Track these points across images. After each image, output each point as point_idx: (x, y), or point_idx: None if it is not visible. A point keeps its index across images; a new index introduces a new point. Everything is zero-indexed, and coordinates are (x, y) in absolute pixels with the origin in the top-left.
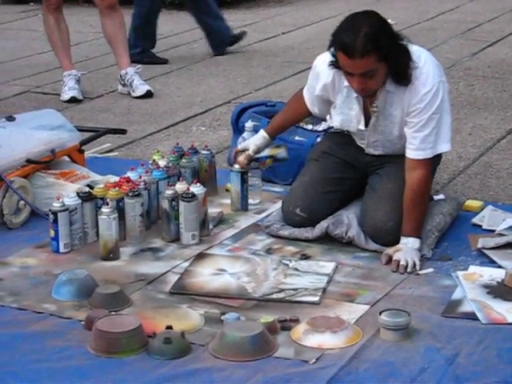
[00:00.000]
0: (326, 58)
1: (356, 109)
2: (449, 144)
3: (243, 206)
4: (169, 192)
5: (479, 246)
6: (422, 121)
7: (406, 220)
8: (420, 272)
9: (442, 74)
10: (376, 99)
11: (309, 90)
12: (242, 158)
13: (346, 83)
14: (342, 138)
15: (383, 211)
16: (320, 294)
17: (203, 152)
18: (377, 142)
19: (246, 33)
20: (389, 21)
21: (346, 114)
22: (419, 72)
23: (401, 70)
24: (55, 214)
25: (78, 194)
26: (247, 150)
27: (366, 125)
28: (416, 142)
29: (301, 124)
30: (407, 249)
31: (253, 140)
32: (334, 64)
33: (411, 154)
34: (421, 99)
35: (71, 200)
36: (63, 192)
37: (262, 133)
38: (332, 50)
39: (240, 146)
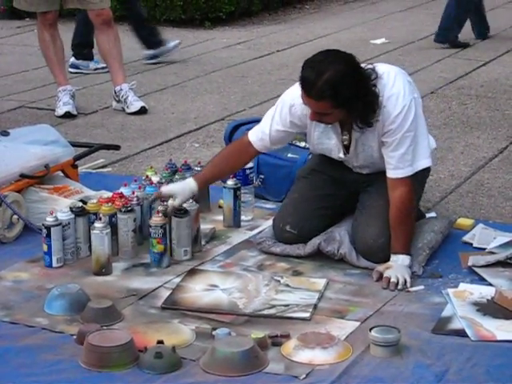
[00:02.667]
0: (297, 91)
1: (334, 138)
2: (429, 159)
3: (236, 223)
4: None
5: (470, 263)
6: (395, 140)
7: (394, 238)
8: (410, 289)
9: (414, 90)
10: (350, 128)
11: (270, 127)
12: (169, 210)
13: None
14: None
15: (374, 228)
16: (311, 310)
17: (196, 169)
18: (360, 165)
19: None
20: (382, 40)
21: (325, 144)
22: (389, 94)
23: (362, 117)
24: (48, 228)
25: (71, 208)
26: (173, 197)
27: (347, 151)
28: (393, 161)
29: (293, 141)
30: (398, 266)
31: (180, 190)
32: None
33: (390, 173)
34: (393, 121)
35: (64, 215)
36: (56, 207)
37: (192, 185)
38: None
39: (164, 192)
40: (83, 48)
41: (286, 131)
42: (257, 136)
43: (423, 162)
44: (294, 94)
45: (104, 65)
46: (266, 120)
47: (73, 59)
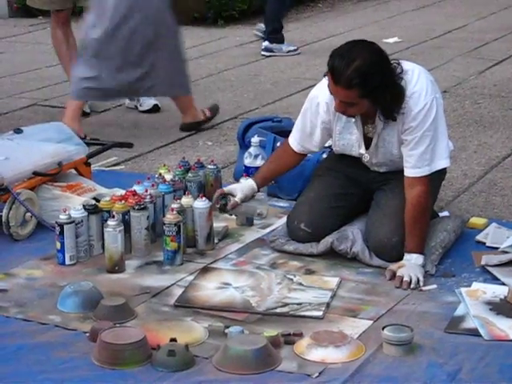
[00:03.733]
0: (322, 90)
1: (356, 133)
2: (447, 160)
3: (248, 221)
4: (174, 206)
5: (483, 263)
6: (415, 138)
7: (408, 237)
8: (423, 288)
9: (437, 90)
10: (372, 122)
11: (302, 130)
12: (229, 207)
13: None
14: (346, 155)
15: (388, 227)
16: (324, 308)
17: (209, 167)
18: (379, 162)
19: None
20: (395, 39)
21: (347, 139)
22: (412, 91)
23: (387, 109)
24: (61, 226)
25: (84, 206)
26: (233, 195)
27: (367, 147)
28: (412, 159)
29: None
30: (411, 265)
31: (240, 187)
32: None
33: (408, 172)
34: (414, 118)
35: (77, 212)
36: (69, 204)
37: (252, 183)
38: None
39: (226, 189)
40: (277, 33)
41: (318, 128)
42: (294, 138)
43: (441, 162)
44: (318, 90)
45: (295, 47)
46: (298, 121)
47: (266, 43)
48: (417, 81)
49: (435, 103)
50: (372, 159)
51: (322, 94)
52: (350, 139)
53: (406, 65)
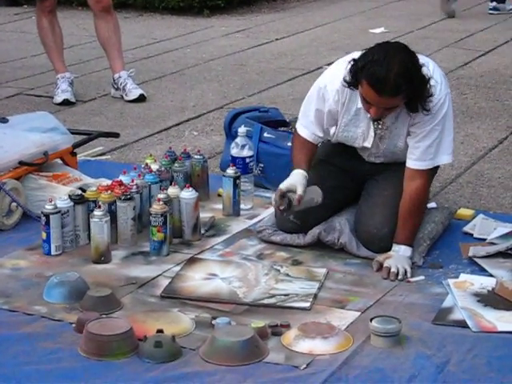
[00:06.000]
0: (332, 79)
1: (363, 127)
2: (450, 156)
3: (235, 211)
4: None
5: (470, 254)
6: (424, 132)
7: (400, 228)
8: (411, 279)
9: (448, 85)
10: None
11: (310, 118)
12: (296, 203)
13: (358, 105)
14: (340, 145)
15: (378, 217)
16: (311, 299)
17: (196, 157)
18: (379, 153)
19: None
20: (381, 29)
21: (352, 132)
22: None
23: (415, 102)
24: (47, 216)
25: (70, 196)
26: (292, 191)
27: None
28: (417, 152)
29: (292, 130)
30: (398, 256)
31: (297, 181)
32: (350, 85)
33: (411, 163)
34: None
35: (63, 202)
36: (55, 194)
37: (303, 172)
38: (349, 70)
39: (283, 187)
40: None
41: (325, 115)
42: (304, 126)
43: (445, 158)
44: (326, 78)
45: None
46: (305, 108)
47: (494, 3)
48: (432, 74)
49: (448, 98)
50: (373, 150)
51: (330, 83)
52: (355, 132)
53: (422, 58)
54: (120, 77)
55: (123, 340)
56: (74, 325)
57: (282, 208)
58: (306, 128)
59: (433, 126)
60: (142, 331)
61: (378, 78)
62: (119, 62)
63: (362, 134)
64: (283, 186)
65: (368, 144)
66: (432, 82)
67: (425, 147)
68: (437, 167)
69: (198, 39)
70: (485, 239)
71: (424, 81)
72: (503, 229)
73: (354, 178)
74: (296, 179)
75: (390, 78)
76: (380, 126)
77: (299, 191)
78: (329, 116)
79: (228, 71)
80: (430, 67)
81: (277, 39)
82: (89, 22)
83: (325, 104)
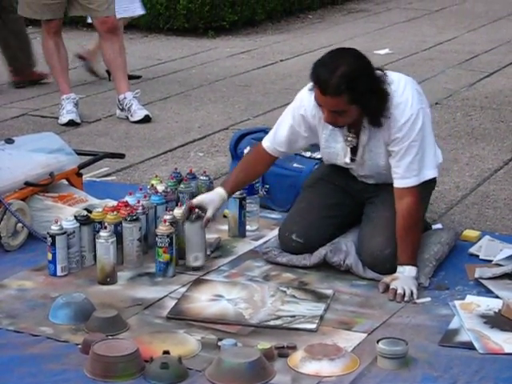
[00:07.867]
0: (310, 94)
1: (341, 141)
2: (435, 170)
3: (241, 233)
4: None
5: (476, 275)
6: (402, 149)
7: (400, 249)
8: (417, 301)
9: (423, 100)
10: (355, 132)
11: (281, 132)
12: (204, 225)
13: None
14: (336, 165)
15: (380, 239)
16: (317, 321)
17: (201, 178)
18: (366, 174)
19: None
20: (386, 50)
21: (333, 148)
22: (398, 101)
23: (374, 115)
24: (53, 237)
25: (76, 217)
26: (203, 208)
27: (354, 155)
28: (400, 170)
29: (299, 151)
30: (404, 277)
31: (210, 200)
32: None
33: (397, 182)
34: (400, 128)
35: (69, 223)
36: (61, 215)
37: (223, 195)
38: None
39: (195, 202)
40: None
41: (297, 131)
42: (269, 140)
43: (429, 173)
44: (303, 96)
45: None
46: (277, 123)
47: None
48: (403, 91)
49: (421, 113)
50: (359, 171)
51: (307, 99)
52: (335, 147)
53: (392, 75)
54: (125, 98)
55: (129, 361)
56: (79, 346)
57: (186, 220)
58: (271, 140)
59: (410, 141)
60: (148, 352)
61: (321, 77)
62: (124, 82)
63: (343, 149)
64: (196, 200)
65: (348, 159)
66: (400, 99)
67: (406, 164)
68: (434, 183)
69: (202, 60)
70: (491, 261)
71: (378, 91)
72: (509, 250)
73: (352, 196)
74: (212, 199)
75: (332, 78)
76: (349, 139)
77: (209, 214)
78: (310, 133)
79: (233, 92)
80: (400, 84)
81: (281, 60)
82: (93, 43)
83: (303, 120)
